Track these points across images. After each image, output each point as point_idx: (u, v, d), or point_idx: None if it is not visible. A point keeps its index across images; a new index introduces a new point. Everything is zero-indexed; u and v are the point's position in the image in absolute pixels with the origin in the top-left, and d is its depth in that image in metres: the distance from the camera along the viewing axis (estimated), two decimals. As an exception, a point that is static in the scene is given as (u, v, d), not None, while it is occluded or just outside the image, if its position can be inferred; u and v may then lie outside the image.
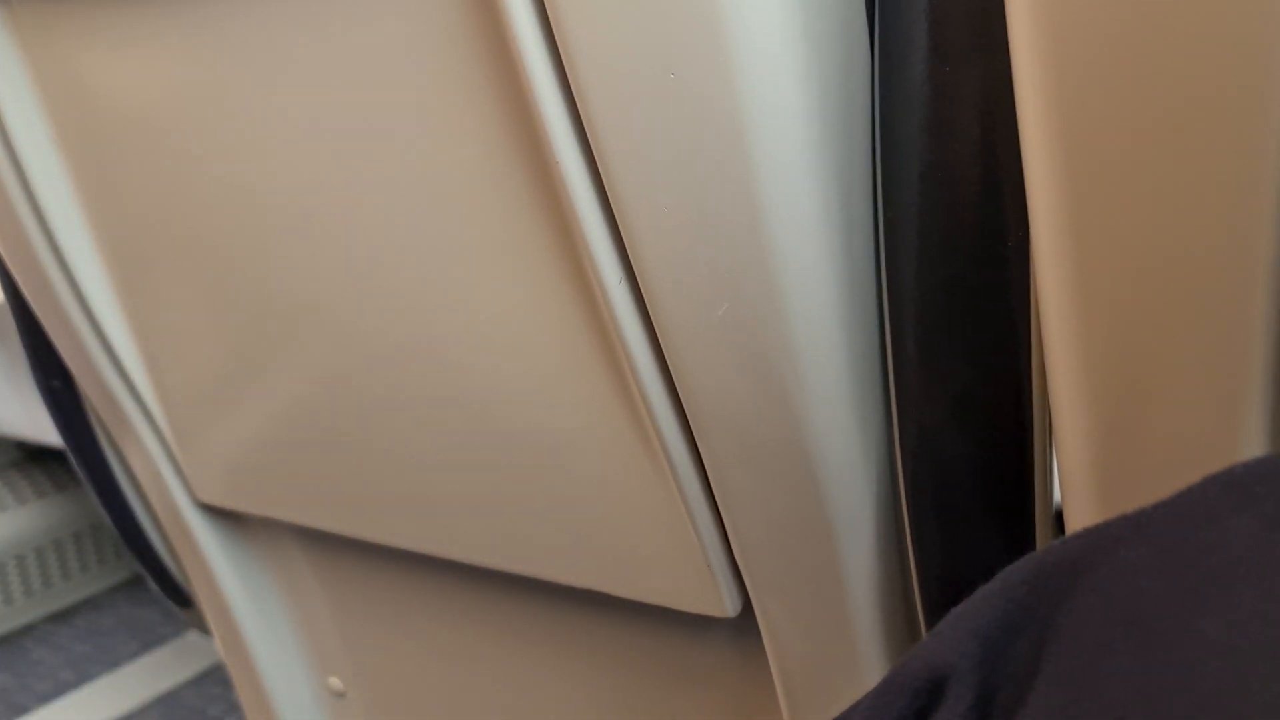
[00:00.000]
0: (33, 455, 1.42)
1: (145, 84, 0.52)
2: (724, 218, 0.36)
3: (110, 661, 1.31)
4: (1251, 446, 0.33)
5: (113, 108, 0.54)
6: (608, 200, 0.39)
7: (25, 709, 1.23)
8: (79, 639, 1.36)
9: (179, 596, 0.87)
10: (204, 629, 0.85)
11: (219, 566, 0.74)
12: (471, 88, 0.42)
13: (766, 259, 0.37)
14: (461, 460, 0.53)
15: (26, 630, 1.38)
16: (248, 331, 0.57)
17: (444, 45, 0.42)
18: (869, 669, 0.46)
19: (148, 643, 1.35)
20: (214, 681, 1.26)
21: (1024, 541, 0.41)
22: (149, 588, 0.87)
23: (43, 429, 0.92)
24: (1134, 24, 0.30)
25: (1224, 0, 0.29)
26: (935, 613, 0.43)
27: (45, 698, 1.26)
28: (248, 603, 0.75)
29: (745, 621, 0.49)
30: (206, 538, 0.72)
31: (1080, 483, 0.36)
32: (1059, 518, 0.40)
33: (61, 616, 1.41)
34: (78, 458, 0.78)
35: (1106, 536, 0.27)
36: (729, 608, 0.49)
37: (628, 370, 0.43)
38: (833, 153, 0.37)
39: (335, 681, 0.78)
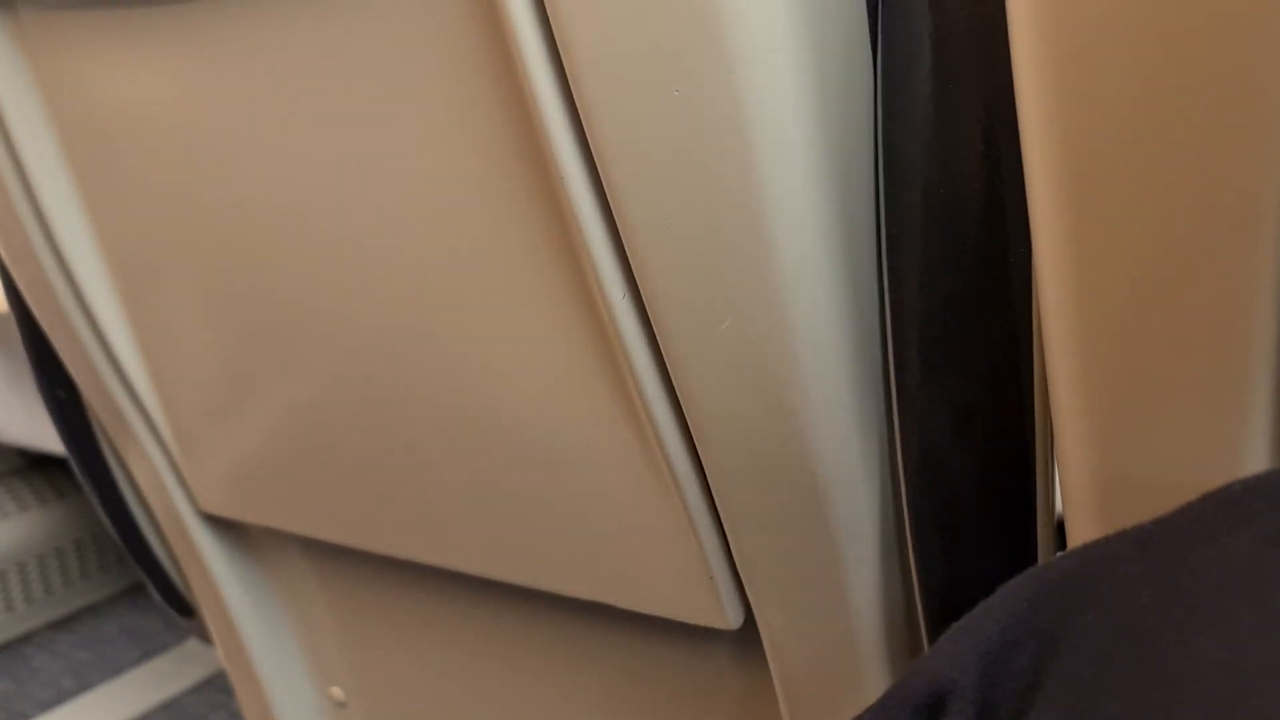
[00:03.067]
0: (35, 462, 1.42)
1: (150, 92, 0.52)
2: (727, 232, 0.37)
3: (111, 669, 1.31)
4: (1254, 462, 0.33)
5: (118, 116, 0.54)
6: (611, 214, 0.39)
7: (26, 716, 1.23)
8: (80, 646, 1.36)
9: (181, 605, 0.87)
10: (205, 637, 0.85)
11: (222, 576, 0.74)
12: (475, 102, 0.42)
13: (770, 273, 0.37)
14: (465, 472, 0.53)
15: (28, 637, 1.38)
16: (252, 341, 0.57)
17: (448, 59, 0.42)
18: (871, 682, 0.46)
19: (149, 650, 1.35)
20: (215, 690, 1.26)
21: (1026, 555, 0.41)
22: (150, 596, 0.87)
23: (46, 437, 0.92)
24: (1136, 41, 0.30)
25: (1226, 20, 0.29)
26: (937, 626, 0.43)
27: (46, 705, 1.25)
28: (250, 612, 0.75)
29: (748, 634, 0.50)
30: (209, 547, 0.73)
31: (1082, 496, 0.36)
32: (1061, 531, 0.40)
33: (63, 624, 1.41)
34: (81, 466, 0.78)
35: (1106, 553, 0.27)
36: (732, 620, 0.49)
37: (631, 383, 0.43)
38: (836, 168, 0.37)
39: (337, 691, 0.78)
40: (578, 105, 0.37)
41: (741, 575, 0.47)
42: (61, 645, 1.36)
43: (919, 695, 0.28)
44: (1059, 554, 0.29)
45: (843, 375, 0.40)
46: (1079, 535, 0.37)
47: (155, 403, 0.66)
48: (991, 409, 0.39)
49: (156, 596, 0.86)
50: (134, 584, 1.45)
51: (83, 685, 1.29)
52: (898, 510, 0.43)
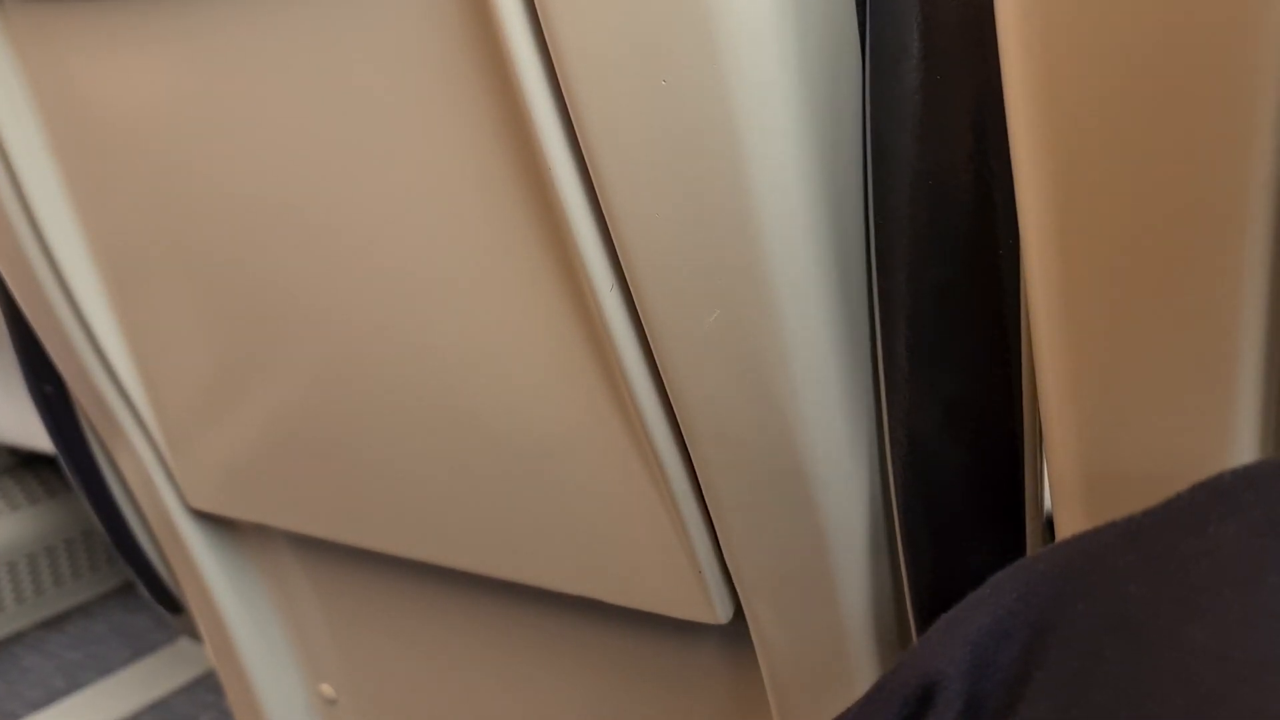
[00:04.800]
0: (25, 461, 1.42)
1: (140, 91, 0.52)
2: (715, 224, 0.36)
3: (102, 668, 1.31)
4: (1241, 453, 0.33)
5: (107, 114, 0.54)
6: (599, 206, 0.39)
7: (16, 716, 1.23)
8: (70, 646, 1.36)
9: (171, 603, 0.87)
10: (196, 636, 0.85)
11: (211, 573, 0.73)
12: (464, 94, 0.42)
13: (757, 265, 0.37)
14: (454, 466, 0.53)
15: (18, 637, 1.37)
16: (240, 337, 0.57)
17: (437, 53, 0.42)
18: (860, 675, 0.46)
19: (139, 650, 1.34)
20: (206, 689, 1.25)
21: (1015, 548, 0.41)
22: (141, 594, 0.87)
23: (35, 434, 0.91)
24: (1124, 32, 0.30)
25: (1214, 13, 0.29)
26: (927, 619, 0.43)
27: (36, 705, 1.25)
28: (240, 609, 0.75)
29: (737, 628, 0.49)
30: (198, 544, 0.72)
31: (1071, 489, 0.36)
32: (1050, 524, 0.40)
33: (53, 623, 1.40)
34: (70, 463, 0.78)
35: (1096, 544, 0.27)
36: (720, 614, 0.49)
37: (619, 376, 0.43)
38: (824, 160, 0.37)
39: (327, 689, 0.78)
40: (565, 96, 0.37)
41: (730, 569, 0.47)
42: (52, 645, 1.36)
43: (908, 687, 0.28)
44: (1048, 546, 0.29)
45: (831, 368, 0.39)
46: (1068, 528, 0.37)
47: (143, 398, 0.66)
48: (980, 402, 0.39)
49: (146, 593, 0.86)
50: (124, 583, 1.44)
51: (73, 685, 1.28)
52: (886, 503, 0.43)
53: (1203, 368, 0.33)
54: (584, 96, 0.36)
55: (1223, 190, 0.30)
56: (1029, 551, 0.41)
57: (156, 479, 0.69)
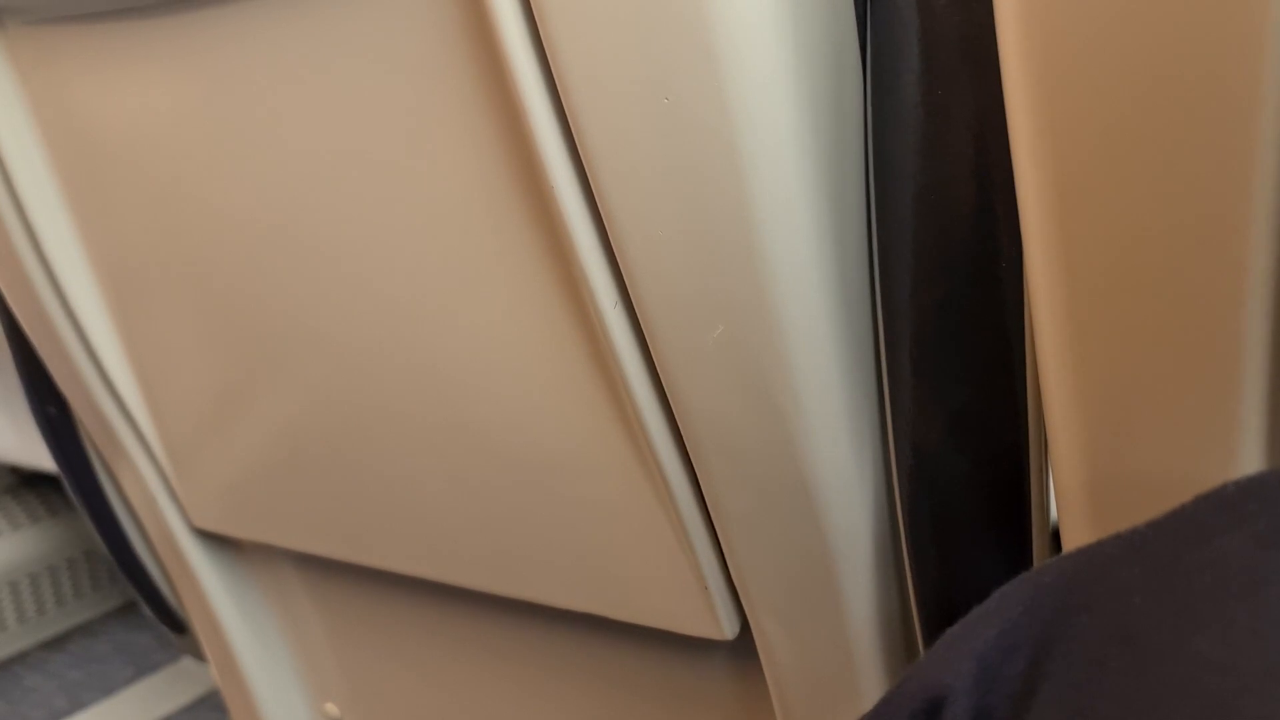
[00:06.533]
0: (27, 480, 1.42)
1: (137, 106, 0.52)
2: (719, 239, 0.37)
3: (104, 688, 1.30)
4: (1245, 464, 0.33)
5: (108, 133, 0.54)
6: (603, 224, 0.39)
7: (19, 737, 1.23)
8: (73, 666, 1.35)
9: (174, 622, 0.87)
10: (199, 655, 0.84)
11: (214, 592, 0.73)
12: (466, 113, 0.42)
13: (761, 280, 0.37)
14: (458, 484, 0.53)
15: (20, 657, 1.37)
16: (243, 356, 0.57)
17: (439, 72, 0.42)
18: (867, 690, 0.46)
19: (142, 669, 1.34)
20: (209, 708, 1.25)
21: (1021, 560, 0.41)
22: (143, 614, 0.87)
23: (37, 454, 0.91)
24: (1125, 44, 0.30)
25: (1215, 28, 0.29)
26: (933, 632, 0.43)
27: (39, 725, 1.25)
28: (243, 628, 0.75)
29: (743, 644, 0.49)
30: (202, 563, 0.72)
31: (1076, 500, 0.36)
32: (1056, 535, 0.40)
33: (55, 643, 1.40)
34: (72, 483, 0.78)
35: (1100, 556, 0.27)
36: (727, 630, 0.49)
37: (624, 392, 0.43)
38: (826, 175, 0.37)
39: (331, 708, 0.77)
40: (568, 114, 0.37)
41: (736, 585, 0.47)
42: (54, 665, 1.36)
43: (915, 701, 0.28)
44: (1053, 558, 0.29)
45: (835, 382, 0.39)
46: (1073, 539, 0.37)
47: (146, 418, 0.66)
48: (985, 413, 0.39)
49: (149, 613, 0.86)
50: (127, 602, 1.44)
51: (75, 705, 1.28)
52: (892, 516, 0.43)
53: (1207, 378, 0.33)
54: (585, 114, 0.36)
55: (1225, 200, 0.30)
56: (1035, 563, 0.41)
57: (159, 498, 0.69)
